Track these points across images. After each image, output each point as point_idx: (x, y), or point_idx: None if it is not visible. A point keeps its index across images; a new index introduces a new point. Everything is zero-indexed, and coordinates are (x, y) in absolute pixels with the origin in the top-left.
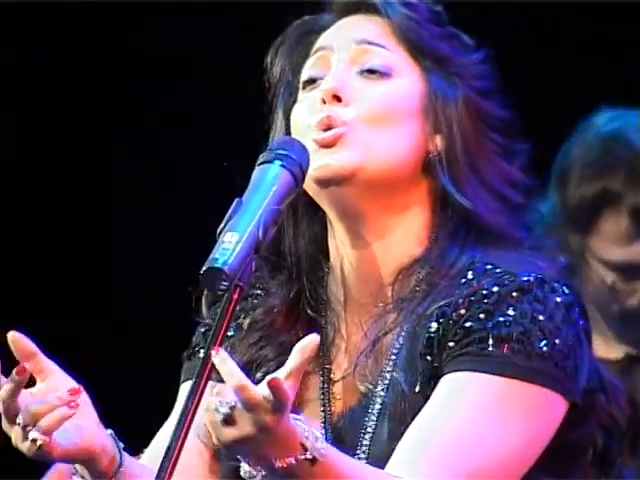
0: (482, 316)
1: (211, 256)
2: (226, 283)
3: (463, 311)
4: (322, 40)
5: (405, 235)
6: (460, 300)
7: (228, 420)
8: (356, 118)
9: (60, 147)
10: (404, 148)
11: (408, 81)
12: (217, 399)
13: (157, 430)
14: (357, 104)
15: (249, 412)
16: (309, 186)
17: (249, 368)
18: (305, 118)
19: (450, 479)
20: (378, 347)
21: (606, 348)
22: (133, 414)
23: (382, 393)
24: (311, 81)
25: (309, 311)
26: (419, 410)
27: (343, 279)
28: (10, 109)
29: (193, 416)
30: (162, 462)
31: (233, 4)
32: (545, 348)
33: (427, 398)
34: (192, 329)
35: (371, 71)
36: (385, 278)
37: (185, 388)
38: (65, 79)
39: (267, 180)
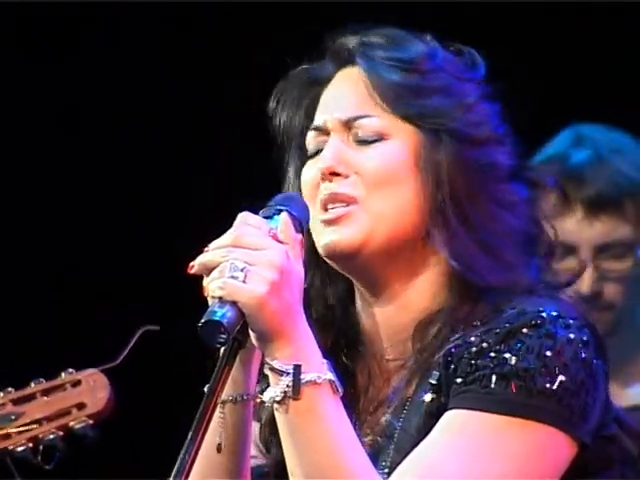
0: (492, 355)
1: (209, 309)
2: (224, 336)
3: (474, 349)
4: (318, 116)
5: (422, 289)
6: (472, 339)
7: (247, 275)
8: (363, 191)
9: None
10: (409, 210)
11: (399, 141)
12: (227, 268)
13: None
14: (358, 172)
15: (256, 251)
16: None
17: None
18: (310, 190)
19: None
20: (396, 397)
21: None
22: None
23: (391, 447)
24: (314, 154)
25: (344, 359)
26: None
27: (369, 331)
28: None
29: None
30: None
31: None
32: (548, 385)
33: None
34: None
35: (364, 140)
36: (405, 332)
37: None
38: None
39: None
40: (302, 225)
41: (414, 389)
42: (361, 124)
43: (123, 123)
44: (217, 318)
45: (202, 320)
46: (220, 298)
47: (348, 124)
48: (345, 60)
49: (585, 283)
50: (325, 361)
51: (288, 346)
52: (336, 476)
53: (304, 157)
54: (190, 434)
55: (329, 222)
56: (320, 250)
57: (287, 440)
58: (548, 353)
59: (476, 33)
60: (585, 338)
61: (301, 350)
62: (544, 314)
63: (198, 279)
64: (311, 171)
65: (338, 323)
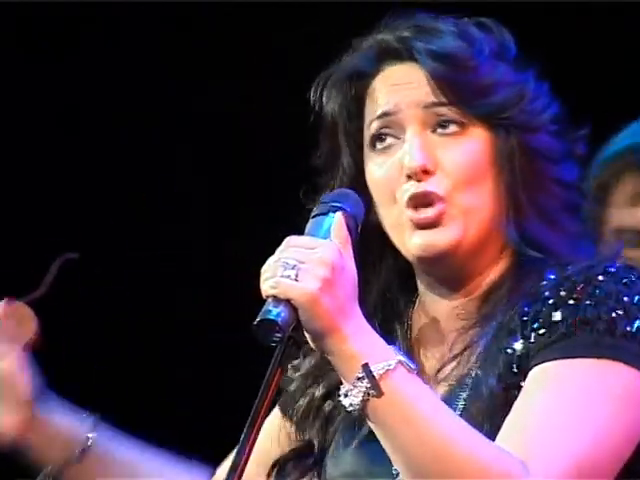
0: (571, 302)
1: (264, 308)
2: (279, 335)
3: (551, 300)
4: (383, 104)
5: (492, 266)
6: (547, 293)
7: (299, 273)
8: (449, 189)
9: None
10: (491, 204)
11: (477, 135)
12: (279, 267)
13: None
14: (444, 170)
15: (307, 249)
16: (404, 252)
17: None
18: (388, 188)
19: (561, 469)
20: (462, 355)
21: None
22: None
23: (464, 393)
24: (379, 138)
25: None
26: (501, 403)
27: (430, 305)
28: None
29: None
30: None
31: None
32: (628, 328)
33: (508, 389)
34: None
35: (444, 125)
36: (470, 296)
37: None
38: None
39: (321, 232)
40: (357, 222)
41: (482, 347)
42: (440, 111)
43: (123, 123)
44: (271, 317)
45: (257, 319)
46: (274, 297)
47: (426, 110)
48: (391, 56)
49: None
50: (390, 346)
51: (345, 341)
52: (451, 456)
53: (356, 145)
54: (243, 433)
55: (423, 222)
56: (413, 250)
57: (389, 440)
58: (625, 299)
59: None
60: None
61: (359, 342)
62: (616, 264)
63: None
64: (384, 168)
65: (385, 312)
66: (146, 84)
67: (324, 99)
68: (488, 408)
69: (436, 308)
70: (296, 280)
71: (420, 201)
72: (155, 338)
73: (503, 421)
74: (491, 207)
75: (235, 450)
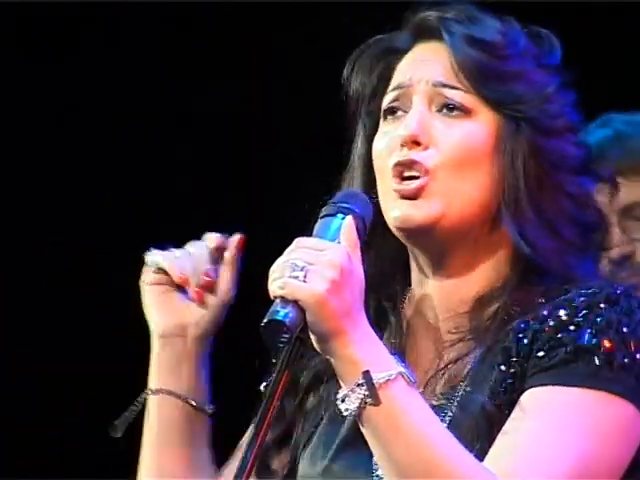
0: (572, 328)
1: (271, 309)
2: (287, 336)
3: (552, 322)
4: (400, 77)
5: (484, 269)
6: (545, 312)
7: (307, 274)
8: (438, 164)
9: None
10: (483, 191)
11: (483, 121)
12: (288, 267)
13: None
14: (437, 146)
15: (316, 251)
16: (391, 228)
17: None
18: (385, 158)
19: None
20: (452, 368)
21: None
22: None
23: (453, 408)
24: (391, 111)
25: (391, 339)
26: (493, 421)
27: (422, 304)
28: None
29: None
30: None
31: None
32: (626, 360)
33: (500, 407)
34: None
35: (450, 108)
36: (463, 307)
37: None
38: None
39: (329, 233)
40: (365, 223)
41: (473, 362)
42: (448, 93)
43: (123, 123)
44: (279, 318)
45: (264, 320)
46: (282, 298)
47: (434, 89)
48: (426, 34)
49: (614, 247)
50: (392, 356)
51: (349, 346)
52: (437, 471)
53: (374, 123)
54: (250, 436)
55: (405, 194)
56: (392, 222)
57: (379, 447)
58: (625, 330)
59: None
60: None
61: (363, 349)
62: (619, 291)
63: None
64: (386, 138)
65: (382, 299)
66: (146, 84)
67: (353, 75)
68: (479, 426)
69: (428, 296)
70: (304, 281)
71: (404, 169)
72: None
73: (494, 439)
74: (483, 196)
75: (243, 452)
